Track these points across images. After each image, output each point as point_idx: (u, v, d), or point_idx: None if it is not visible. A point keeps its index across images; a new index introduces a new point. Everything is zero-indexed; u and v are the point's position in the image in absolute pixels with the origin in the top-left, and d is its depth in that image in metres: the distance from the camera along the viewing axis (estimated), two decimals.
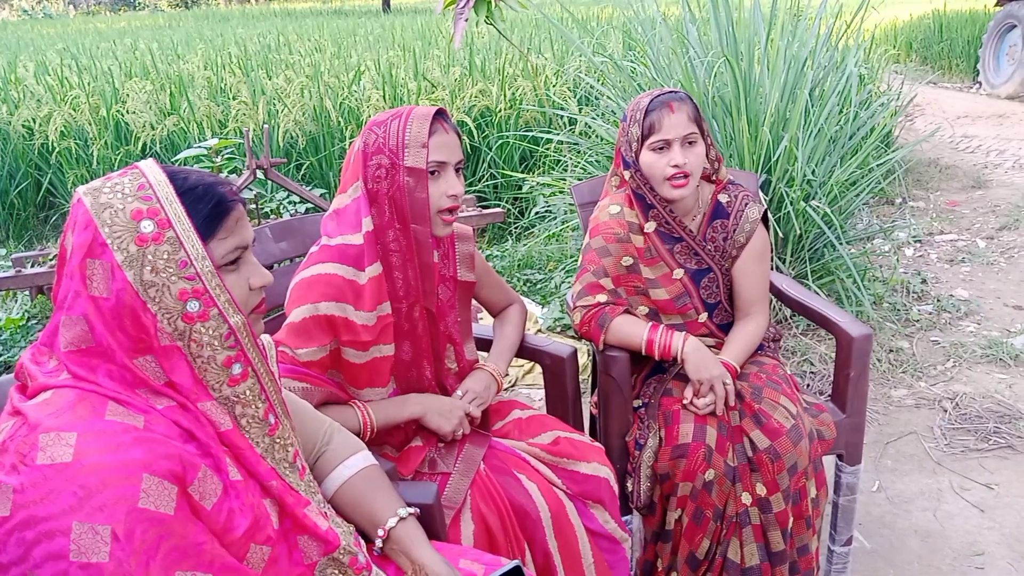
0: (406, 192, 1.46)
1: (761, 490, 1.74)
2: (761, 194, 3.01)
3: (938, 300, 3.70)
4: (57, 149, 5.15)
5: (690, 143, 1.76)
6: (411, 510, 1.27)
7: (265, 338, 1.20)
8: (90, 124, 5.18)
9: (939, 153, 6.90)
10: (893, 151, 4.29)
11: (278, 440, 1.10)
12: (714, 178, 1.92)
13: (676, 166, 1.74)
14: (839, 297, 3.31)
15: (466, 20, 3.90)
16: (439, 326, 1.65)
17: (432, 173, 1.48)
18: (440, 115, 1.50)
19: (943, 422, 2.76)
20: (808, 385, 2.99)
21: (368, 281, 1.48)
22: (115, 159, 5.07)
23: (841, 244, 3.19)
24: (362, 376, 1.53)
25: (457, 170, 1.52)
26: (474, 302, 1.85)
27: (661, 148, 1.76)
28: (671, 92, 1.79)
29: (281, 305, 1.58)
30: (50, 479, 0.86)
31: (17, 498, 0.85)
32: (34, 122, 5.33)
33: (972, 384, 3.00)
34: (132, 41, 11.20)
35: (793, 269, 3.29)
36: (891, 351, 3.23)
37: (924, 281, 3.92)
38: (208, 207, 0.99)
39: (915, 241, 4.72)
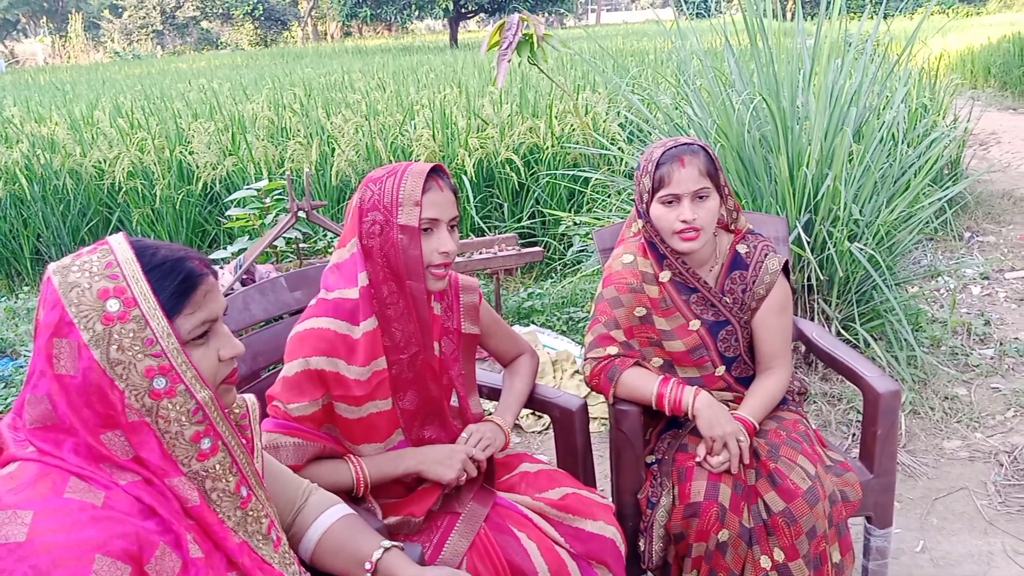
0: (399, 249, 1.46)
1: (779, 555, 1.66)
2: (803, 235, 2.93)
3: (1001, 344, 3.50)
4: (124, 189, 5.37)
5: (701, 197, 1.72)
6: (395, 543, 1.27)
7: (248, 398, 1.21)
8: (155, 164, 5.39)
9: (1015, 184, 6.59)
10: (951, 183, 4.11)
11: (250, 513, 1.10)
12: (732, 228, 1.87)
13: (685, 221, 1.70)
14: (890, 341, 3.16)
15: (509, 61, 3.94)
16: (442, 379, 1.64)
17: (425, 230, 1.48)
18: (436, 172, 1.50)
19: (998, 477, 2.60)
20: (854, 435, 2.86)
21: (362, 336, 1.48)
22: (177, 198, 5.26)
23: (889, 287, 3.05)
24: (357, 431, 1.53)
25: (452, 227, 1.52)
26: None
27: (671, 202, 1.73)
28: (685, 144, 1.75)
29: (283, 359, 1.59)
30: (3, 558, 0.86)
31: None
32: (104, 163, 5.59)
33: None
34: (207, 81, 11.67)
35: (840, 312, 3.16)
36: (946, 399, 3.07)
37: (988, 323, 3.72)
38: (175, 283, 1.00)
39: (982, 279, 4.50)
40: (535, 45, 4.00)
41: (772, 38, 3.29)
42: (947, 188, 4.02)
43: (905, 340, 3.11)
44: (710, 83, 3.44)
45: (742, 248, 1.84)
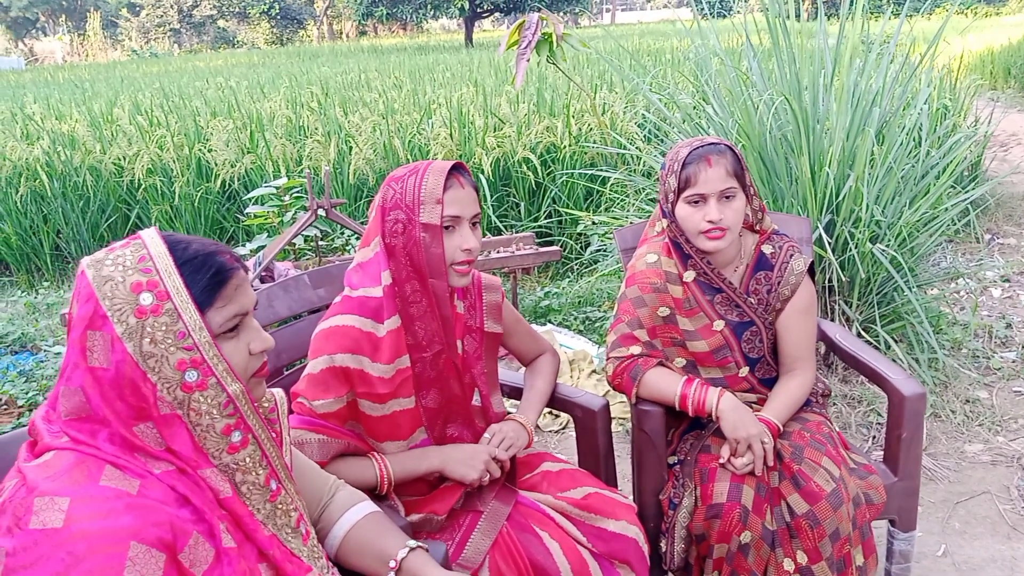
0: (422, 247, 1.46)
1: (802, 558, 1.65)
2: (825, 236, 2.91)
3: (1023, 347, 3.47)
4: (143, 186, 5.41)
5: (728, 197, 1.71)
6: (420, 544, 1.27)
7: (277, 392, 1.22)
8: (174, 162, 5.43)
9: None
10: (974, 185, 4.07)
11: (280, 506, 1.11)
12: (758, 228, 1.86)
13: (711, 221, 1.69)
14: (911, 343, 3.14)
15: (528, 60, 3.93)
16: (465, 377, 1.64)
17: (447, 228, 1.48)
18: (457, 169, 1.50)
19: (1021, 482, 2.57)
20: (874, 437, 2.84)
21: (387, 334, 1.48)
22: (195, 195, 5.29)
23: (911, 288, 3.03)
24: (381, 429, 1.53)
25: (474, 224, 1.52)
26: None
27: (697, 202, 1.72)
28: (711, 144, 1.74)
29: (306, 356, 1.60)
30: (40, 544, 0.87)
31: (9, 561, 0.88)
32: (124, 160, 5.63)
33: None
34: (224, 79, 11.73)
35: (861, 314, 3.14)
36: (967, 402, 3.04)
37: (1009, 325, 3.68)
38: (206, 276, 1.00)
39: (1004, 281, 4.46)
40: (554, 44, 3.99)
41: (794, 38, 3.27)
42: (968, 190, 3.99)
43: (926, 342, 3.08)
44: (731, 83, 3.43)
45: (767, 249, 1.83)
